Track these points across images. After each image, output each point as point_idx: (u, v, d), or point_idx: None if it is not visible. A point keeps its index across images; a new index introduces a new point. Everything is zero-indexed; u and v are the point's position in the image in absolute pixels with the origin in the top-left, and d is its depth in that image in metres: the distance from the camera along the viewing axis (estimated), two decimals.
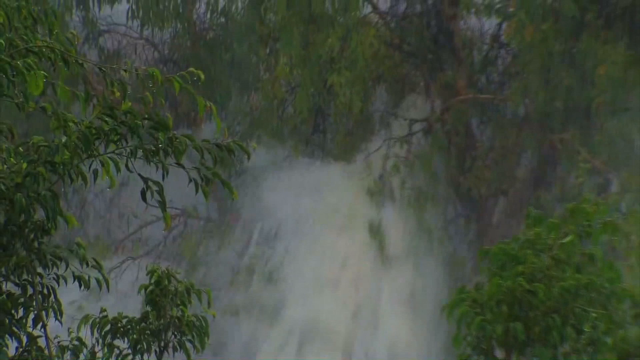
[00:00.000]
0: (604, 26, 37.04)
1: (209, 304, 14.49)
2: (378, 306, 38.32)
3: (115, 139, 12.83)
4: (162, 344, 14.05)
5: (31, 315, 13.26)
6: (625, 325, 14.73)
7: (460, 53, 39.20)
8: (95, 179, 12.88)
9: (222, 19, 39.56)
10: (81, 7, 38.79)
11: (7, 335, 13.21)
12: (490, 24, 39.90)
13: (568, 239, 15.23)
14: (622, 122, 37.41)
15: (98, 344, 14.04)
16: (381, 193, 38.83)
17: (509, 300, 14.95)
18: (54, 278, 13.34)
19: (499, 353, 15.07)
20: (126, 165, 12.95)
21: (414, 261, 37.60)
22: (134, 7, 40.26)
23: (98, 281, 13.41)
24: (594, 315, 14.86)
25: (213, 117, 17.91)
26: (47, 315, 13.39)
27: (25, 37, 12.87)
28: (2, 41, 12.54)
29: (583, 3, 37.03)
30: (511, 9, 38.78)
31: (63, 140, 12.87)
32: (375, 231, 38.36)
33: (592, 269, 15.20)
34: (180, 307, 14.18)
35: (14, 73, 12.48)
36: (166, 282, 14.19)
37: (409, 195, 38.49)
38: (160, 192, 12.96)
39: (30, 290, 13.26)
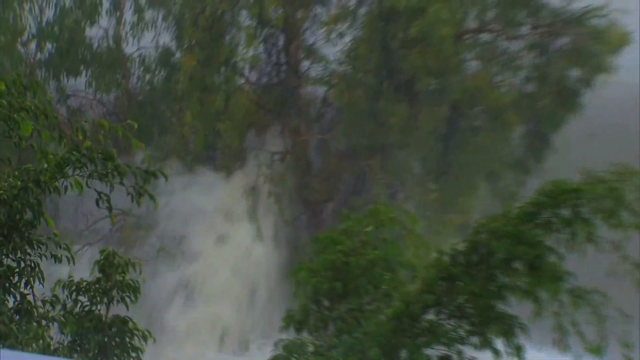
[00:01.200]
0: (394, 91, 38.67)
1: (140, 272, 15.82)
2: (253, 269, 39.80)
3: (79, 166, 14.55)
4: (109, 298, 15.25)
5: (23, 280, 14.83)
6: (407, 284, 15.62)
7: (302, 109, 41.05)
8: (65, 191, 14.80)
9: (148, 87, 40.83)
10: (55, 79, 40.15)
11: (6, 294, 14.73)
12: (321, 90, 41.44)
13: (369, 228, 17.21)
14: (405, 153, 39.41)
15: (67, 299, 15.33)
16: (253, 197, 39.72)
17: (332, 268, 16.55)
18: (38, 256, 14.89)
19: (326, 302, 16.68)
20: (86, 183, 14.65)
21: (274, 242, 39.37)
22: (90, 79, 41.13)
23: (67, 258, 15.10)
24: (387, 277, 16.44)
25: (143, 152, 18.47)
26: (33, 280, 14.94)
27: (19, 100, 14.74)
28: (4, 101, 14.57)
29: (380, 77, 38.91)
30: (335, 81, 40.53)
31: (45, 167, 14.65)
32: (251, 219, 39.92)
33: (385, 248, 16.99)
34: (122, 274, 15.38)
35: (12, 123, 14.46)
36: (112, 258, 15.31)
37: (270, 198, 39.62)
38: (108, 201, 14.82)
39: (22, 264, 14.81)
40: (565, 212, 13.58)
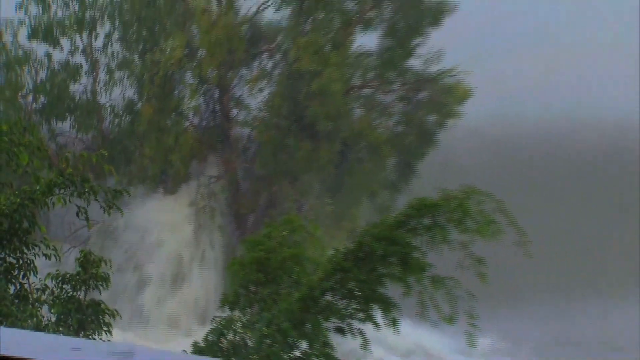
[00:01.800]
0: (300, 132, 39.82)
1: (110, 266, 16.26)
2: (193, 265, 39.71)
3: (64, 187, 14.88)
4: (87, 286, 15.46)
5: (22, 274, 15.08)
6: (311, 274, 15.95)
7: (232, 144, 41.48)
8: (53, 206, 15.27)
9: (117, 129, 40.94)
10: (47, 122, 40.33)
11: (8, 284, 14.92)
12: (246, 131, 42.66)
13: (284, 233, 17.34)
14: (309, 177, 40.14)
15: (55, 287, 15.43)
16: (195, 210, 40.24)
17: (257, 263, 16.63)
18: (32, 255, 15.13)
19: (252, 288, 16.73)
20: (69, 200, 15.07)
21: (210, 244, 39.87)
22: (73, 122, 40.98)
23: (55, 256, 15.56)
24: (297, 270, 16.54)
25: (114, 175, 20.05)
26: (29, 273, 15.18)
27: (19, 137, 15.29)
28: (6, 138, 15.04)
29: (289, 121, 40.02)
30: (256, 124, 41.19)
31: (37, 188, 14.77)
32: (192, 228, 40.04)
33: (296, 248, 17.06)
34: (96, 268, 15.60)
35: (13, 154, 14.87)
36: (89, 256, 15.59)
37: (207, 211, 40.19)
38: (86, 212, 15.40)
39: (21, 261, 14.98)
40: (427, 221, 14.50)
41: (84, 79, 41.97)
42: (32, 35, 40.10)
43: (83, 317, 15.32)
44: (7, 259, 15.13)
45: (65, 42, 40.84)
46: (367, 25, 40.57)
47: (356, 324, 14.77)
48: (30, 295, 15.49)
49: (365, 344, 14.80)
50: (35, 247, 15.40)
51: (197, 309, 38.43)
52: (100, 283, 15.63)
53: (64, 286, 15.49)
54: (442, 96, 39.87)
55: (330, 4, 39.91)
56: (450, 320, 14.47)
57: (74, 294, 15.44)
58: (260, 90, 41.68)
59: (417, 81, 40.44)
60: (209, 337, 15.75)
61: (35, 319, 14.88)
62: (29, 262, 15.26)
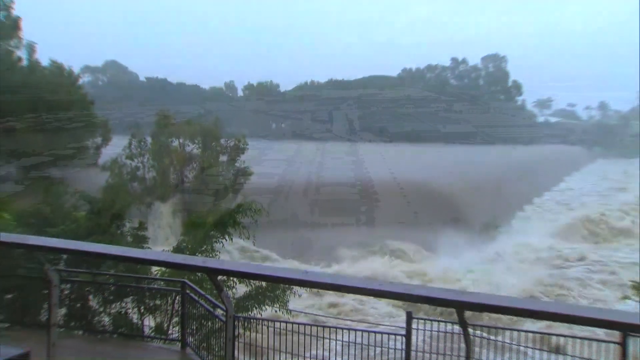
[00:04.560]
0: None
1: (147, 224, 18.10)
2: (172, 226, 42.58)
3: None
4: (139, 231, 17.42)
5: (122, 227, 16.22)
6: (207, 226, 17.17)
7: (185, 191, 45.94)
8: (130, 207, 19.42)
9: (149, 185, 47.13)
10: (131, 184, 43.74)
11: (119, 231, 16.64)
12: (188, 186, 45.44)
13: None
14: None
15: (131, 231, 17.41)
16: (172, 207, 43.92)
17: (191, 224, 18.39)
18: (125, 222, 16.75)
19: (190, 230, 17.63)
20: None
21: (176, 218, 42.18)
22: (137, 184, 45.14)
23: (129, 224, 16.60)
24: (204, 226, 17.28)
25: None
26: (124, 227, 17.06)
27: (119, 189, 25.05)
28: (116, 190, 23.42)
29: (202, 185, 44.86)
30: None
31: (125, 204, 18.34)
32: (171, 212, 44.69)
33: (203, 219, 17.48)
34: (142, 224, 17.77)
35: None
36: (142, 222, 17.89)
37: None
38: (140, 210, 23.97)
39: (122, 223, 16.67)
40: (240, 210, 16.80)
41: (139, 171, 49.55)
42: (126, 158, 48.97)
43: (137, 240, 17.16)
44: (119, 224, 16.70)
45: (135, 161, 49.82)
46: None
47: (220, 240, 16.28)
48: (123, 234, 17.12)
49: (222, 245, 16.98)
50: (125, 219, 17.01)
51: (172, 236, 39.44)
52: (144, 231, 17.65)
53: (134, 230, 17.45)
54: (240, 178, 48.53)
55: (212, 150, 48.99)
56: (247, 238, 17.62)
57: (137, 232, 17.51)
58: (191, 173, 48.26)
59: (237, 172, 47.95)
60: (180, 245, 16.97)
61: (123, 241, 16.41)
62: (124, 224, 17.01)
